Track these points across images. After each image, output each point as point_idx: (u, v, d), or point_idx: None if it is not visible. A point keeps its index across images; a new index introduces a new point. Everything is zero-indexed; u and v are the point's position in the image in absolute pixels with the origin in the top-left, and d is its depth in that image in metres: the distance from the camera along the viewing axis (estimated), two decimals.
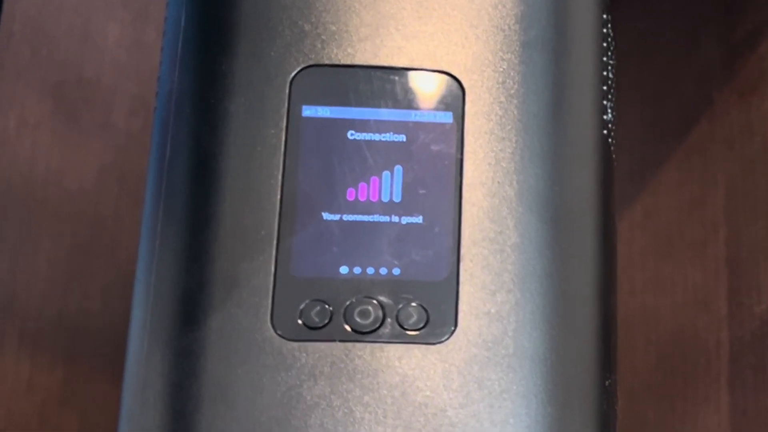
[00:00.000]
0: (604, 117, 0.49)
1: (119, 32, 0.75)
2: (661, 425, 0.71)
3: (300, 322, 0.42)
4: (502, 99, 0.46)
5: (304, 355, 0.42)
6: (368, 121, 0.45)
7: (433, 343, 0.42)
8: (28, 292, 0.68)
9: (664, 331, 0.73)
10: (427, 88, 0.46)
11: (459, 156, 0.45)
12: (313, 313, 0.43)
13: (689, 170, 0.75)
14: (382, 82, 0.46)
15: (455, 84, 0.46)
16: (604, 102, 0.49)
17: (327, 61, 0.46)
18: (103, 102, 0.73)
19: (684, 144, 0.76)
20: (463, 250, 0.44)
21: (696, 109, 0.76)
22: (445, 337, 0.42)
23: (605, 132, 0.49)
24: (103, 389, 0.70)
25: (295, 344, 0.42)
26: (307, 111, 0.45)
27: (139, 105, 0.74)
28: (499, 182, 0.45)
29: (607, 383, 0.45)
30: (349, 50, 0.46)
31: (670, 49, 0.79)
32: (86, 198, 0.71)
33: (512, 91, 0.46)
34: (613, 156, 0.50)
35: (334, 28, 0.46)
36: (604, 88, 0.49)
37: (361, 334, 0.42)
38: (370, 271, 0.43)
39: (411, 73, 0.46)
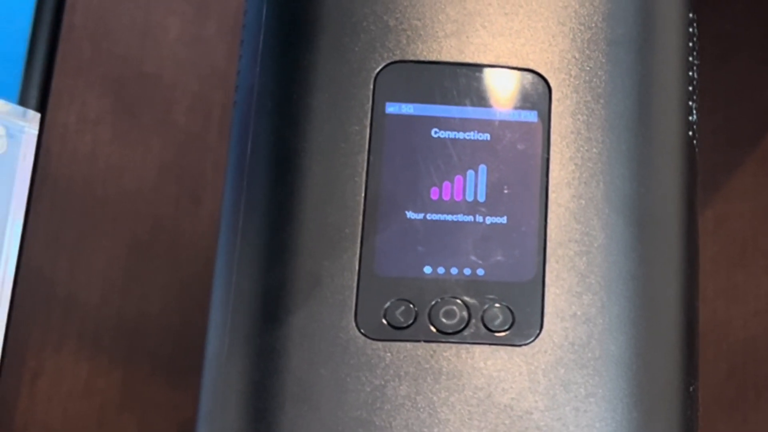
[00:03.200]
0: (690, 118, 0.50)
1: (180, 26, 0.75)
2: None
3: (384, 321, 0.43)
4: (589, 98, 0.46)
5: (389, 354, 0.43)
6: (453, 119, 0.46)
7: (519, 345, 0.43)
8: (87, 293, 0.68)
9: (735, 341, 0.73)
10: (512, 86, 0.47)
11: (545, 155, 0.46)
12: (397, 313, 0.43)
13: (764, 176, 0.76)
14: (467, 80, 0.46)
15: (541, 82, 0.46)
16: (690, 103, 0.50)
17: (412, 57, 0.46)
18: (163, 98, 0.74)
19: (758, 150, 0.77)
20: (548, 251, 0.44)
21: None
22: (531, 338, 0.43)
23: (690, 134, 0.50)
24: (162, 392, 0.70)
25: (380, 344, 0.43)
26: (391, 108, 0.46)
27: (198, 102, 0.75)
28: (585, 183, 0.45)
29: (691, 389, 0.46)
30: (434, 46, 0.47)
31: (745, 52, 0.79)
32: (145, 197, 0.72)
33: (599, 90, 0.47)
34: (697, 158, 0.51)
35: (419, 23, 0.47)
36: (690, 88, 0.50)
37: (446, 335, 0.43)
38: (454, 271, 0.44)
39: (496, 71, 0.46)
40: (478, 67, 0.46)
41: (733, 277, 0.75)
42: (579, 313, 0.44)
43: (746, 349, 0.73)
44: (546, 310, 0.43)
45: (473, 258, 0.44)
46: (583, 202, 0.45)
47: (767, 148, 0.77)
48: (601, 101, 0.47)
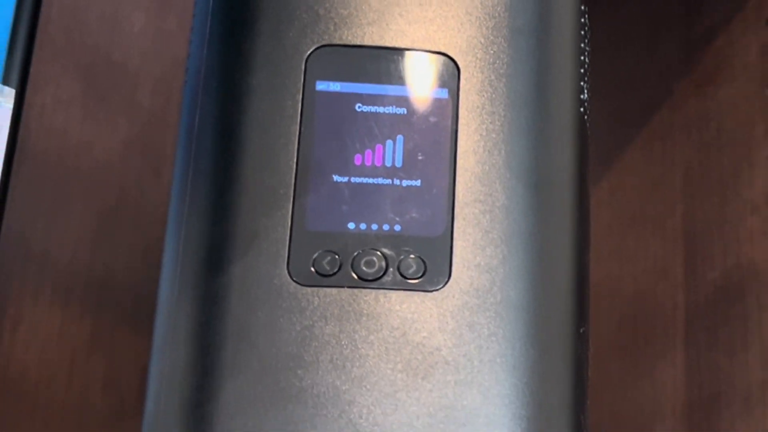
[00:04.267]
0: (581, 96, 0.50)
1: (144, 20, 0.75)
2: (623, 379, 0.72)
3: (313, 270, 0.43)
4: (493, 78, 0.47)
5: (317, 299, 0.43)
6: (374, 95, 0.46)
7: (430, 291, 0.43)
8: (61, 252, 0.69)
9: (626, 296, 0.74)
10: (426, 67, 0.47)
11: (454, 127, 0.46)
12: (324, 263, 0.44)
13: (651, 154, 0.76)
14: (387, 61, 0.47)
15: (451, 64, 0.47)
16: (581, 83, 0.50)
17: (338, 42, 0.47)
18: (129, 83, 0.74)
19: (646, 130, 0.77)
20: (456, 210, 0.44)
21: (657, 99, 0.77)
22: (441, 285, 0.43)
23: (582, 110, 0.50)
24: (126, 338, 0.70)
25: (309, 289, 0.43)
26: (321, 86, 0.46)
27: (160, 86, 0.75)
28: (489, 151, 0.45)
29: (581, 330, 0.47)
30: (358, 32, 0.47)
31: (634, 46, 0.80)
32: (113, 169, 0.72)
33: (501, 71, 0.47)
34: (588, 132, 0.51)
35: (344, 12, 0.47)
36: (581, 71, 0.50)
37: (366, 282, 0.43)
38: (374, 226, 0.44)
39: (412, 54, 0.47)
40: (397, 50, 0.47)
41: (625, 240, 0.75)
42: (483, 263, 0.44)
43: (636, 302, 0.74)
44: (454, 261, 0.44)
45: (391, 215, 0.44)
46: (487, 167, 0.45)
47: (653, 129, 0.77)
48: (504, 80, 0.47)
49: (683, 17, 0.78)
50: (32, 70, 0.68)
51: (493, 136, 0.46)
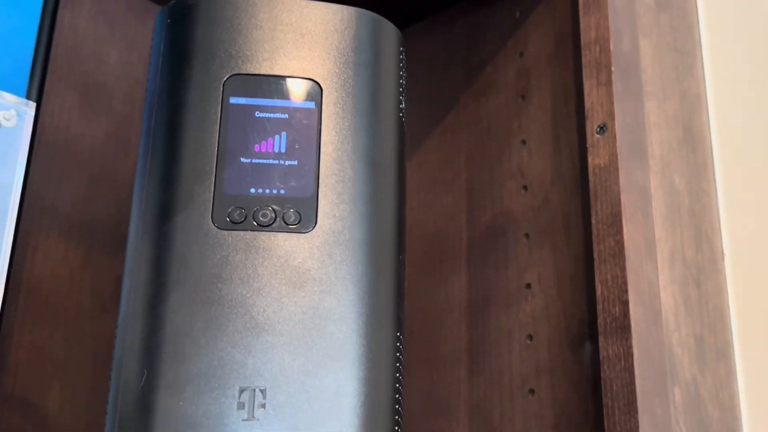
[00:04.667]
0: (400, 105, 0.56)
1: (117, 55, 0.78)
2: (427, 287, 0.76)
3: (228, 219, 0.49)
4: (344, 95, 0.53)
5: (230, 238, 0.49)
6: (267, 106, 0.52)
7: (303, 233, 0.50)
8: (64, 204, 0.71)
9: (429, 234, 0.77)
10: (300, 88, 0.53)
11: (318, 127, 0.52)
12: (235, 215, 0.49)
13: (445, 140, 0.79)
14: (275, 84, 0.53)
15: (317, 86, 0.53)
16: (400, 97, 0.57)
17: (245, 72, 0.52)
18: (108, 96, 0.77)
19: (442, 125, 0.80)
20: (320, 180, 0.51)
21: (449, 105, 0.80)
22: (310, 229, 0.50)
23: (400, 114, 0.56)
24: (106, 261, 0.73)
25: (225, 232, 0.49)
26: (233, 100, 0.52)
27: (128, 98, 0.78)
28: (341, 142, 0.52)
29: (401, 257, 0.54)
30: (257, 66, 0.53)
31: (434, 69, 0.82)
32: (98, 151, 0.75)
33: (350, 90, 0.53)
34: (405, 127, 0.57)
35: (248, 53, 0.53)
36: (400, 89, 0.57)
37: (262, 227, 0.49)
38: (267, 191, 0.50)
39: (292, 79, 0.53)
40: (281, 77, 0.53)
41: (428, 197, 0.79)
42: (337, 215, 0.51)
43: (435, 237, 0.77)
44: (319, 213, 0.50)
45: (278, 184, 0.51)
46: (340, 153, 0.52)
47: (446, 124, 0.79)
48: (351, 96, 0.53)
49: (465, 50, 0.80)
50: (45, 89, 0.70)
51: (344, 132, 0.53)
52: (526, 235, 0.69)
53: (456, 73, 0.80)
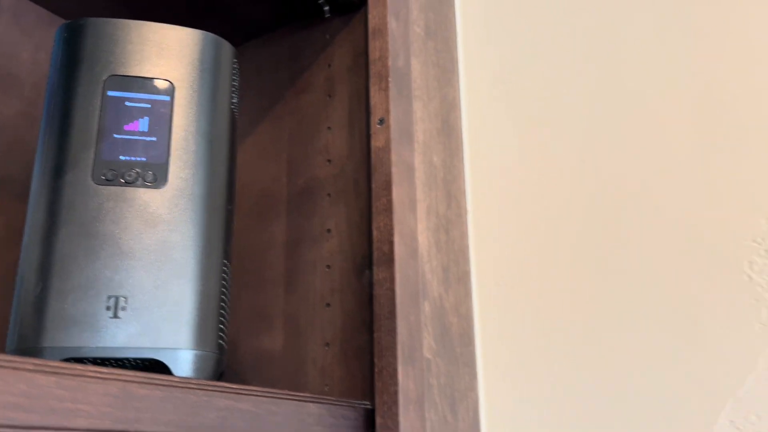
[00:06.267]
0: (233, 100, 0.62)
1: (28, 54, 0.81)
2: (257, 230, 0.79)
3: (103, 177, 0.55)
4: (192, 92, 0.59)
5: (106, 191, 0.54)
6: (135, 98, 0.58)
7: (158, 188, 0.55)
8: None
9: (257, 189, 0.80)
10: (159, 85, 0.58)
11: (171, 114, 0.58)
12: (109, 174, 0.55)
13: (273, 125, 0.82)
14: (142, 82, 0.58)
15: (171, 84, 0.59)
16: (233, 94, 0.63)
17: (120, 73, 0.58)
18: (20, 85, 0.80)
19: (271, 114, 0.83)
20: (170, 152, 0.56)
21: (276, 98, 0.83)
22: (163, 186, 0.56)
23: (233, 109, 0.62)
24: (16, 205, 0.77)
25: (102, 187, 0.55)
26: (110, 93, 0.57)
27: (36, 89, 0.81)
28: (188, 124, 0.56)
29: (229, 207, 0.56)
30: (129, 68, 0.58)
31: (266, 72, 0.84)
32: (12, 125, 0.78)
33: (195, 88, 0.59)
34: (236, 116, 0.63)
35: (123, 59, 0.59)
36: (233, 88, 0.63)
37: (129, 184, 0.55)
38: (133, 158, 0.56)
39: (153, 79, 0.59)
40: (146, 78, 0.58)
41: (259, 164, 0.80)
42: (183, 176, 0.56)
43: (262, 192, 0.81)
44: (169, 175, 0.56)
45: (141, 153, 0.56)
46: (187, 132, 0.58)
47: (275, 113, 0.81)
48: (197, 93, 0.59)
49: (289, 60, 0.84)
50: None
51: (190, 118, 0.58)
52: (329, 195, 0.75)
53: (282, 76, 0.85)
